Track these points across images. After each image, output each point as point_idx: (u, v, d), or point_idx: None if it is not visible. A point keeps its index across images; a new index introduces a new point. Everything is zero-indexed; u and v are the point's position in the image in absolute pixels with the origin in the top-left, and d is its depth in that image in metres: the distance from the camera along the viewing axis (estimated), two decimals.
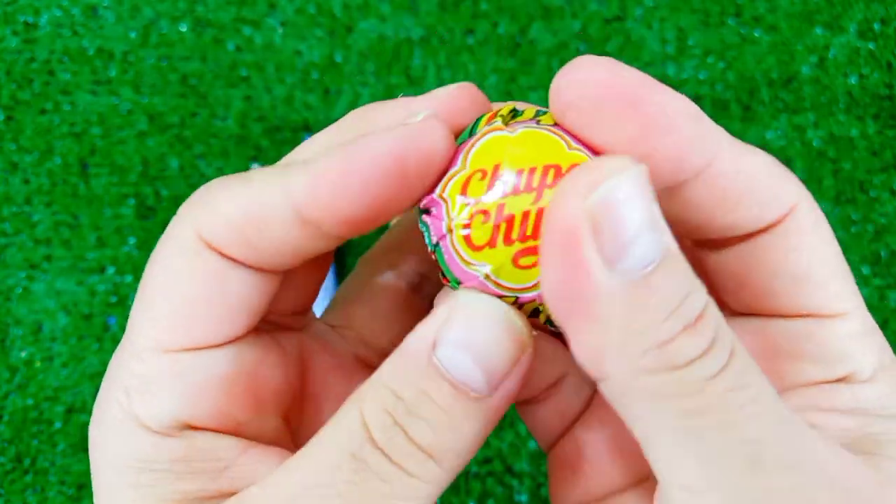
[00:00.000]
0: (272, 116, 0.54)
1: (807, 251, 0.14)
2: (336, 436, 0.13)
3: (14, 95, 0.54)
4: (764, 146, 0.55)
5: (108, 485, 0.14)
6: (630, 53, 0.55)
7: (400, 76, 0.55)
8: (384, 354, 0.19)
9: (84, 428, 0.50)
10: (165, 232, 0.14)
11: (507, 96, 0.55)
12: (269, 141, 0.54)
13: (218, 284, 0.14)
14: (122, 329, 0.52)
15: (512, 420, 0.52)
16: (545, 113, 0.14)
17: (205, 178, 0.54)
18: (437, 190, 0.14)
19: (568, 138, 0.14)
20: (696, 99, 0.55)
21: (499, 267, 0.14)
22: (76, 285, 0.52)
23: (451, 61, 0.55)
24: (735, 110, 0.55)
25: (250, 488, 0.14)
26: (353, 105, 0.54)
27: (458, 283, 0.14)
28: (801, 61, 0.55)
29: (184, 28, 0.55)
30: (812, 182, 0.54)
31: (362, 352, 0.19)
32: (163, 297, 0.14)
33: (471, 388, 0.13)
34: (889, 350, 0.15)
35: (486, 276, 0.14)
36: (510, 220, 0.13)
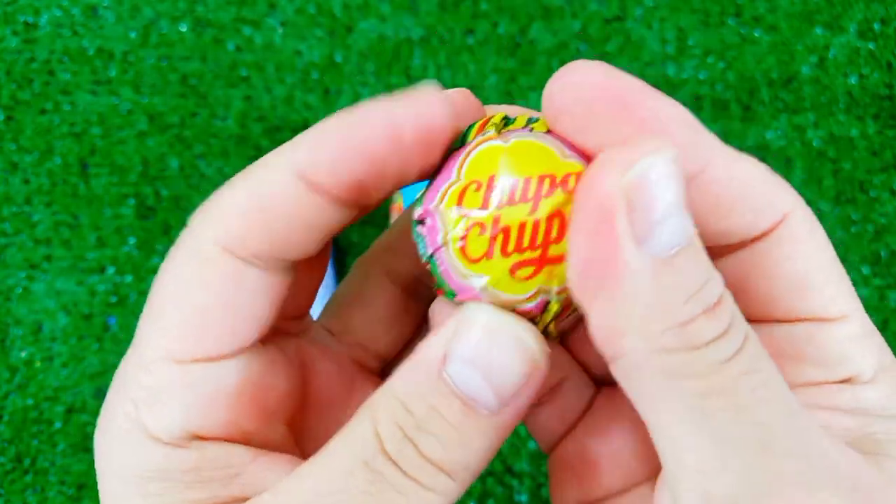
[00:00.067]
0: (272, 116, 0.54)
1: (803, 258, 0.14)
2: (349, 445, 0.13)
3: (14, 95, 0.54)
4: (764, 146, 0.55)
5: (115, 494, 0.14)
6: (630, 53, 0.55)
7: (400, 76, 0.55)
8: (382, 359, 0.19)
9: (84, 428, 0.50)
10: (177, 242, 0.14)
11: (506, 96, 0.55)
12: (269, 141, 0.54)
13: (231, 293, 0.14)
14: (122, 329, 0.52)
15: None
16: (537, 120, 0.14)
17: (205, 178, 0.54)
18: (433, 202, 0.14)
19: (562, 147, 0.14)
20: (696, 99, 0.55)
21: (495, 279, 0.14)
22: (76, 285, 0.52)
23: (451, 61, 0.55)
24: (735, 110, 0.55)
25: (262, 495, 0.14)
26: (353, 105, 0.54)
27: (454, 294, 0.14)
28: (801, 61, 0.55)
29: (184, 28, 0.55)
30: (812, 182, 0.54)
31: (360, 356, 0.19)
32: (174, 307, 0.14)
33: (481, 404, 0.13)
34: (888, 351, 0.15)
35: (483, 288, 0.14)
36: (506, 232, 0.13)
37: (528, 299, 0.14)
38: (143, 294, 0.52)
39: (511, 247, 0.13)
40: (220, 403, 0.14)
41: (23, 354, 0.51)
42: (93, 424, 0.51)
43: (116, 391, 0.15)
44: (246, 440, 0.15)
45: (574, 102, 0.13)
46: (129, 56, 0.55)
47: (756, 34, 0.56)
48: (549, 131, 0.14)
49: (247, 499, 0.14)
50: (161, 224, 0.53)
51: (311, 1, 0.55)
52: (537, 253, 0.13)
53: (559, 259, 0.13)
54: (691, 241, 0.12)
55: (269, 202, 0.13)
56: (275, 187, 0.13)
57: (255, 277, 0.14)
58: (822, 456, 0.13)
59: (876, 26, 0.56)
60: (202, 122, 0.54)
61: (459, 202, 0.14)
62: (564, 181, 0.13)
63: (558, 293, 0.14)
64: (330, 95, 0.55)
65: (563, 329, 0.18)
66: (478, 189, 0.14)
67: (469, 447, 0.13)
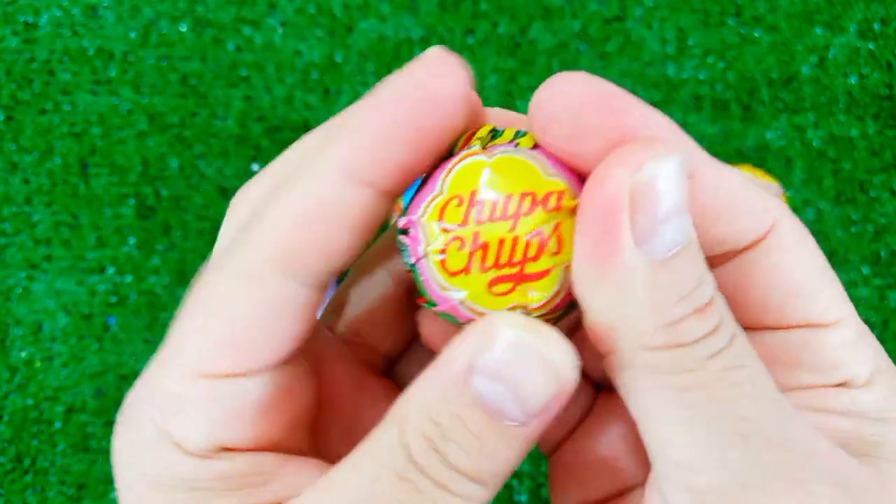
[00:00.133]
0: (272, 116, 0.54)
1: (794, 265, 0.14)
2: (378, 454, 0.13)
3: (14, 95, 0.54)
4: (764, 146, 0.55)
5: (142, 500, 0.14)
6: (630, 53, 0.55)
7: None
8: (387, 358, 0.19)
9: (84, 428, 0.50)
10: (224, 254, 0.14)
11: (506, 96, 0.55)
12: (269, 141, 0.54)
13: (276, 314, 0.14)
14: (122, 329, 0.52)
15: None
16: (524, 134, 0.14)
17: (205, 178, 0.54)
18: (416, 213, 0.14)
19: (546, 164, 0.14)
20: (696, 99, 0.55)
21: (474, 293, 0.14)
22: (76, 285, 0.52)
23: None
24: (735, 110, 0.55)
25: (291, 502, 0.14)
26: None
27: (434, 304, 0.14)
28: (801, 61, 0.55)
29: (184, 28, 0.55)
30: (812, 182, 0.54)
31: (364, 356, 0.19)
32: (216, 323, 0.14)
33: (507, 417, 0.13)
34: (884, 354, 0.15)
35: (461, 302, 0.14)
36: (485, 248, 0.13)
37: None
38: (143, 294, 0.52)
39: (489, 262, 0.14)
40: (248, 417, 0.14)
41: (23, 354, 0.51)
42: (93, 424, 0.51)
43: (142, 397, 0.14)
44: (273, 447, 0.15)
45: (563, 110, 0.13)
46: (129, 56, 0.55)
47: (756, 34, 0.56)
48: (535, 146, 0.14)
49: None
50: (161, 224, 0.53)
51: (311, 1, 0.55)
52: (515, 269, 0.13)
53: (537, 276, 0.14)
54: (690, 241, 0.12)
55: (323, 210, 0.13)
56: (326, 193, 0.13)
57: (301, 296, 0.14)
58: (808, 450, 0.13)
59: (876, 26, 0.56)
60: (202, 122, 0.54)
61: (441, 216, 0.14)
62: (545, 199, 0.13)
63: (534, 310, 0.14)
64: (330, 95, 0.55)
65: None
66: (459, 204, 0.14)
67: (496, 457, 0.13)
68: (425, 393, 0.13)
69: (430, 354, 0.14)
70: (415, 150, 0.13)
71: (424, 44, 0.55)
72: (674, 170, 0.12)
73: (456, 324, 0.15)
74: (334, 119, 0.16)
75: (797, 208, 0.53)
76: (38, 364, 0.51)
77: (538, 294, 0.14)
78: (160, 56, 0.55)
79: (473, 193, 0.14)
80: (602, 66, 0.55)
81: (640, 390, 0.13)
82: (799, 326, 0.14)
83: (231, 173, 0.54)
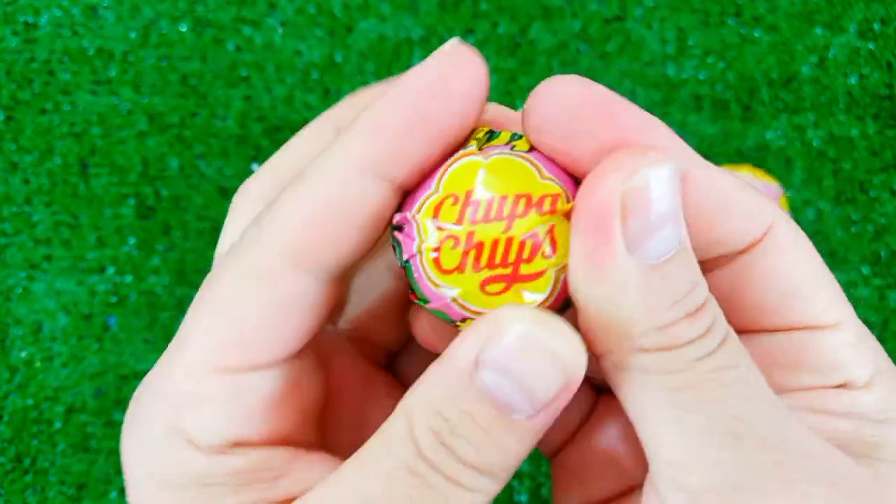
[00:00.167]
0: (272, 116, 0.54)
1: (792, 268, 0.14)
2: (388, 449, 0.13)
3: (14, 95, 0.54)
4: (764, 146, 0.55)
5: (150, 500, 0.14)
6: (630, 53, 0.55)
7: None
8: (388, 352, 0.19)
9: (84, 428, 0.50)
10: (234, 251, 0.14)
11: (506, 96, 0.55)
12: (269, 141, 0.54)
13: (289, 308, 0.14)
14: (122, 329, 0.52)
15: None
16: (520, 137, 0.15)
17: (205, 178, 0.54)
18: (412, 210, 0.14)
19: (541, 167, 0.14)
20: (696, 99, 0.55)
21: (466, 291, 0.14)
22: (76, 285, 0.52)
23: None
24: (735, 110, 0.55)
25: (304, 497, 0.14)
26: None
27: (427, 301, 0.14)
28: (801, 61, 0.55)
29: (184, 28, 0.55)
30: (812, 182, 0.54)
31: (367, 350, 0.19)
32: (227, 319, 0.14)
33: (514, 411, 0.13)
34: (884, 355, 0.15)
35: (454, 300, 0.14)
36: (479, 248, 0.14)
37: None
38: (143, 294, 0.52)
39: (483, 262, 0.14)
40: (261, 411, 0.14)
41: (23, 354, 0.51)
42: (93, 424, 0.51)
43: (151, 395, 0.14)
44: (284, 441, 0.15)
45: (560, 111, 0.13)
46: (129, 56, 0.55)
47: (756, 34, 0.56)
48: (531, 149, 0.14)
49: (290, 500, 0.14)
50: (161, 224, 0.53)
51: (311, 1, 0.55)
52: (509, 270, 0.14)
53: (530, 277, 0.14)
54: (683, 246, 0.12)
55: (340, 204, 0.13)
56: (344, 187, 0.13)
57: (314, 291, 0.14)
58: (803, 450, 0.13)
59: (876, 26, 0.56)
60: (202, 122, 0.54)
61: (436, 214, 0.14)
62: (540, 202, 0.14)
63: None
64: (330, 95, 0.55)
65: None
66: (454, 203, 0.14)
67: (505, 451, 0.13)
68: (432, 388, 0.13)
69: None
70: (434, 144, 0.13)
71: (424, 44, 0.55)
72: (667, 176, 0.12)
73: (448, 321, 0.15)
74: (331, 109, 0.16)
75: (797, 208, 0.53)
76: (38, 364, 0.51)
77: (532, 295, 0.14)
78: (160, 56, 0.55)
79: (469, 193, 0.14)
80: (602, 66, 0.55)
81: (634, 391, 0.13)
82: (797, 328, 0.14)
83: (231, 173, 0.54)
